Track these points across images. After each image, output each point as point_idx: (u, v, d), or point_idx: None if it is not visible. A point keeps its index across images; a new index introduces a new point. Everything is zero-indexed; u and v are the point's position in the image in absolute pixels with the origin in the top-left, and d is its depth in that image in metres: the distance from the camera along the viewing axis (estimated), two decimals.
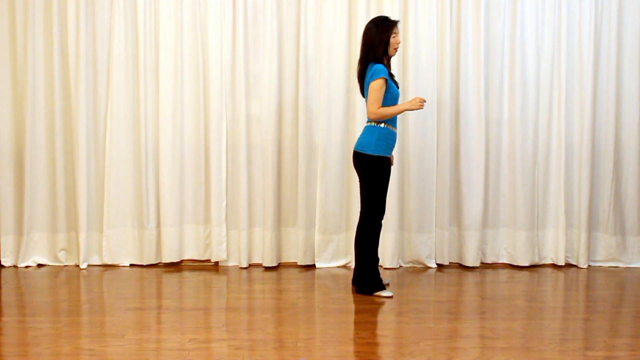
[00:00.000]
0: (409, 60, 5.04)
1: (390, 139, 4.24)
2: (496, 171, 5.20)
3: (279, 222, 5.19)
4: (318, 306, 4.12)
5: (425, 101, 4.19)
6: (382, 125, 4.19)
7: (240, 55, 5.06)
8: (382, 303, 4.14)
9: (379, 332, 3.58)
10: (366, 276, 4.30)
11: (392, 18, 4.42)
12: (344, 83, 5.10)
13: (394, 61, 4.92)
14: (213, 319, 3.87)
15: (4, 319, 3.80)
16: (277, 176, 5.12)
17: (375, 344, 3.38)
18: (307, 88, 5.10)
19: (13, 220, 5.14)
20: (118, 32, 5.06)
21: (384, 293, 4.26)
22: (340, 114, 5.11)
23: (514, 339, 3.44)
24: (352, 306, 4.13)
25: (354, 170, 5.08)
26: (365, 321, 3.78)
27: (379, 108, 4.13)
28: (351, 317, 3.88)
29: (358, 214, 5.07)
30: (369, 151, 4.18)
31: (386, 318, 3.84)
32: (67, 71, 5.05)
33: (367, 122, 4.26)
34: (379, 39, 4.18)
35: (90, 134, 5.11)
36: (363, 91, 4.33)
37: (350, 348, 3.31)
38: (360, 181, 4.29)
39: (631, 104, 5.18)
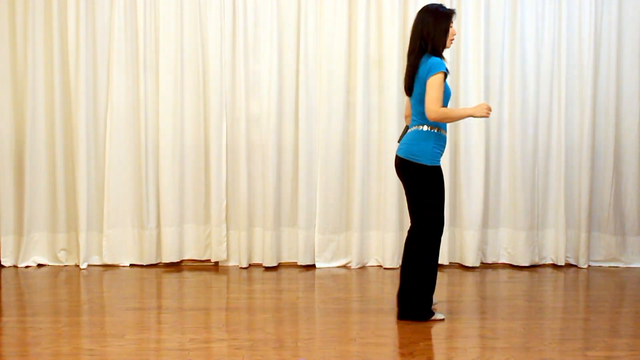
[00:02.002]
0: None
1: (443, 146, 3.71)
2: (496, 171, 5.20)
3: (279, 222, 5.19)
4: (318, 306, 4.12)
5: (491, 110, 3.65)
6: (436, 130, 3.64)
7: (240, 55, 5.06)
8: (382, 303, 4.14)
9: (379, 332, 3.58)
10: (421, 299, 3.72)
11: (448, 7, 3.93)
12: (344, 83, 5.10)
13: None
14: (213, 319, 3.87)
15: (4, 319, 3.80)
16: (277, 176, 5.12)
17: (375, 344, 3.38)
18: (307, 88, 5.10)
19: (13, 220, 5.13)
20: (118, 32, 5.05)
21: (438, 316, 3.77)
22: (340, 114, 5.10)
23: (514, 339, 3.44)
24: (352, 306, 4.13)
25: (354, 170, 5.10)
26: (365, 321, 3.78)
27: (441, 107, 3.55)
28: (351, 317, 3.88)
29: (358, 214, 5.12)
30: (426, 161, 3.61)
31: (386, 318, 3.83)
32: (67, 71, 5.05)
33: (416, 124, 3.67)
34: (438, 29, 3.60)
35: (90, 134, 5.10)
36: (411, 87, 3.68)
37: (350, 348, 3.31)
38: (410, 192, 3.71)
39: (631, 104, 5.17)
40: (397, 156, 3.74)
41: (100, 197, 5.14)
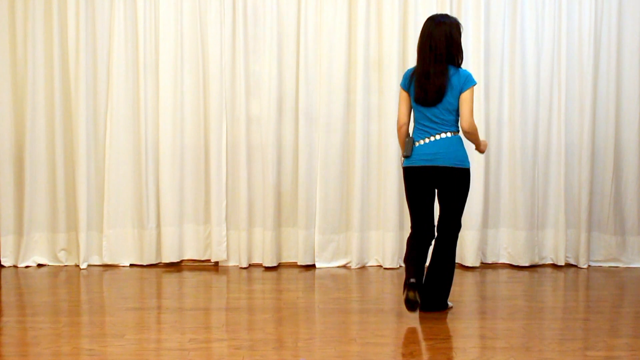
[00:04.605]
0: (409, 61, 5.03)
1: None
2: (496, 171, 5.20)
3: (279, 222, 5.19)
4: (318, 306, 4.12)
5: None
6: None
7: (240, 55, 5.06)
8: (382, 303, 4.14)
9: (379, 332, 3.58)
10: (447, 293, 3.93)
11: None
12: (344, 83, 5.09)
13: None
14: (213, 319, 3.87)
15: (4, 319, 3.81)
16: (277, 176, 5.12)
17: (375, 344, 3.38)
18: (307, 88, 5.10)
19: (13, 220, 5.13)
20: (118, 32, 5.06)
21: (450, 304, 3.99)
22: (340, 114, 5.11)
23: (514, 339, 3.44)
24: (352, 306, 4.13)
25: (354, 170, 5.10)
26: (365, 321, 3.78)
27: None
28: (351, 317, 3.88)
29: (358, 214, 5.11)
30: (468, 164, 3.82)
31: (386, 318, 3.84)
32: (67, 71, 5.05)
33: (448, 131, 3.77)
34: (460, 43, 3.83)
35: (90, 134, 5.10)
36: (440, 96, 3.72)
37: (350, 348, 3.31)
38: (456, 198, 3.86)
39: (631, 103, 5.17)
40: (438, 167, 3.75)
41: (100, 197, 5.14)
